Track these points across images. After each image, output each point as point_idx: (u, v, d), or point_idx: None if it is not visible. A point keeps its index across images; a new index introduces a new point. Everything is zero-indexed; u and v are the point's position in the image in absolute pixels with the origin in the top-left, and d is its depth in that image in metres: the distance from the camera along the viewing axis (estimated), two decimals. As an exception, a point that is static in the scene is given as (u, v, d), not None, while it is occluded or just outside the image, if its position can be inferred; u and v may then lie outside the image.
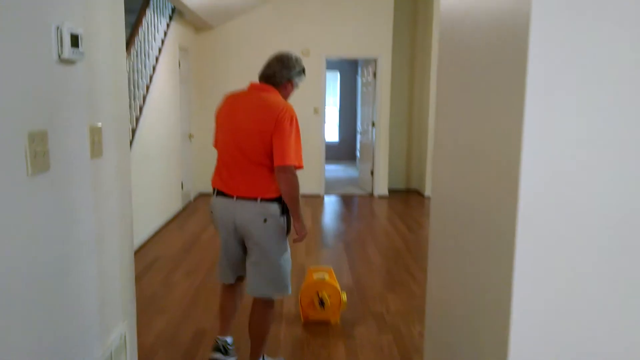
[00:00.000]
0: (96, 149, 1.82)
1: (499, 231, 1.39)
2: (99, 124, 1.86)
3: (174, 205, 6.37)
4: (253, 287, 2.52)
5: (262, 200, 2.41)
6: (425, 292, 3.92)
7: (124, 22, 2.11)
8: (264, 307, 2.56)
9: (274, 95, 2.48)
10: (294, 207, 2.43)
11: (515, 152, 1.30)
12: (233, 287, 2.74)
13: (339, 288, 3.37)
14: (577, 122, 1.26)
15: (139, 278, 4.21)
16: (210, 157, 7.80)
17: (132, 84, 5.02)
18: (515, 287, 1.31)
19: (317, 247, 5.20)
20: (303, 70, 2.53)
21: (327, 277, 3.42)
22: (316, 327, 3.34)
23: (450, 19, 2.00)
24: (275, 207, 2.43)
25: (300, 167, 2.39)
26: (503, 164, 1.37)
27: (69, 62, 1.60)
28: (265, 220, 2.41)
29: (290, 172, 2.35)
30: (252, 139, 2.40)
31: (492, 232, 1.45)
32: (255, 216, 2.41)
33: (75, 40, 1.59)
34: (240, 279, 2.69)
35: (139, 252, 4.88)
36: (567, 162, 1.27)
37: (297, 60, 2.53)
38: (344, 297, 3.38)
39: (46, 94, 1.48)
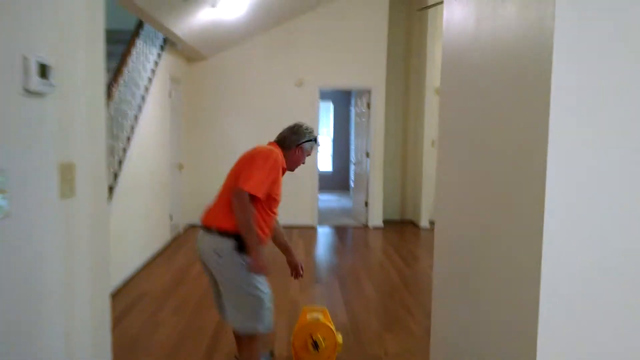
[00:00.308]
0: (67, 188, 1.67)
1: (522, 268, 1.27)
2: (71, 162, 1.71)
3: (162, 238, 6.18)
4: (230, 320, 2.67)
5: (217, 231, 2.49)
6: (425, 331, 3.74)
7: (103, 53, 1.99)
8: (247, 341, 2.68)
9: (271, 147, 2.69)
10: (244, 234, 2.44)
11: (539, 185, 1.18)
12: None
13: (334, 329, 3.18)
14: (603, 152, 1.15)
15: (122, 316, 4.00)
16: (200, 188, 7.66)
17: (120, 115, 4.89)
18: (541, 328, 1.17)
19: (310, 282, 5.01)
20: (315, 140, 2.79)
21: (321, 317, 3.23)
22: (309, 372, 3.14)
23: (454, 48, 1.93)
24: (228, 244, 2.47)
25: (256, 195, 2.44)
26: (526, 197, 1.26)
27: (36, 94, 1.46)
28: (219, 256, 2.49)
29: (241, 196, 2.41)
30: (232, 170, 2.65)
31: (514, 270, 1.34)
32: (210, 251, 2.52)
33: (44, 71, 1.45)
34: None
35: (123, 288, 4.67)
36: (595, 200, 1.15)
37: (308, 130, 2.78)
38: (340, 339, 3.19)
39: (7, 128, 1.33)
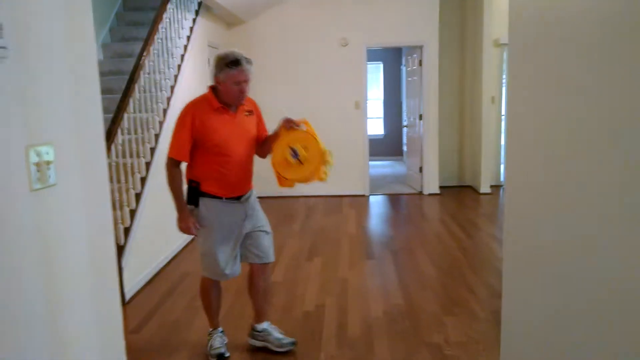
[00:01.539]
0: (42, 176, 1.35)
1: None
2: (47, 143, 1.38)
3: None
4: None
5: None
6: (491, 315, 3.32)
7: (89, 5, 1.64)
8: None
9: (198, 97, 2.70)
10: (171, 192, 2.68)
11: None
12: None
13: (317, 139, 2.75)
14: None
15: (164, 300, 3.80)
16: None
17: (154, 86, 4.61)
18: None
19: (360, 257, 4.66)
20: (228, 64, 2.52)
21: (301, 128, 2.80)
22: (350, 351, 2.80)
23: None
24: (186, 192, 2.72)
25: (176, 158, 2.62)
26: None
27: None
28: None
29: (166, 161, 2.66)
30: None
31: (626, 244, 1.10)
32: None
33: (-17, 28, 1.11)
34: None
35: (164, 270, 4.47)
36: None
37: (221, 56, 2.56)
38: (327, 153, 2.73)
39: None
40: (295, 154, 2.66)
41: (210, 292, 2.90)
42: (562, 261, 1.54)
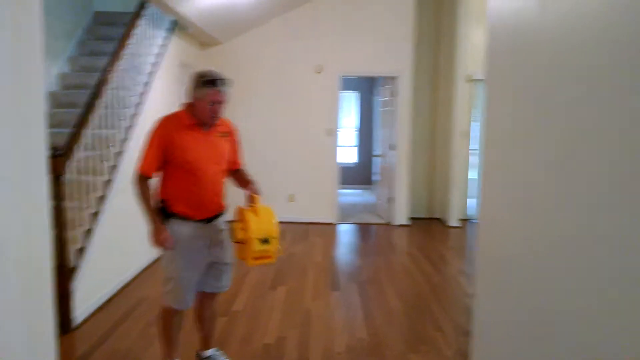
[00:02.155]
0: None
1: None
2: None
3: (171, 236, 5.74)
4: None
5: None
6: (458, 354, 3.21)
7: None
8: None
9: (170, 113, 2.62)
10: (141, 208, 2.57)
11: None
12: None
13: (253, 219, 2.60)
14: None
15: (115, 327, 3.57)
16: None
17: (117, 102, 4.45)
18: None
19: (326, 287, 4.51)
20: (205, 82, 2.47)
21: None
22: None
23: (510, 30, 1.48)
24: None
25: (144, 174, 2.53)
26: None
27: None
28: None
29: (134, 177, 2.56)
30: None
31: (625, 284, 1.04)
32: None
33: None
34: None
35: (121, 293, 4.24)
36: None
37: (200, 75, 2.51)
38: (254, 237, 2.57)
39: None
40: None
41: (172, 320, 2.72)
42: (533, 301, 1.44)
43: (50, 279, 1.55)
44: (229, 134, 2.72)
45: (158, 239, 2.55)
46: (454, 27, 7.11)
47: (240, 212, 2.65)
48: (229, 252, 2.79)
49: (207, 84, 2.45)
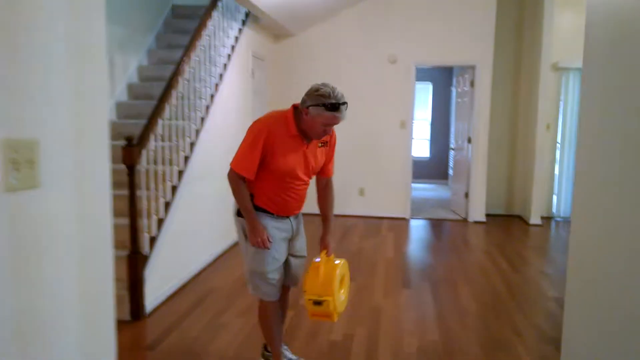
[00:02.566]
0: (21, 174, 1.16)
1: None
2: (31, 138, 1.20)
3: (242, 227, 5.78)
4: None
5: None
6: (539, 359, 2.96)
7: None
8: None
9: (278, 111, 2.47)
10: (239, 208, 2.49)
11: None
12: None
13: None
14: None
15: (184, 316, 3.61)
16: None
17: (193, 93, 4.50)
18: None
19: (397, 286, 4.35)
20: (326, 105, 2.28)
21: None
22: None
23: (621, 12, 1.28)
24: (235, 208, 2.56)
25: (240, 173, 2.40)
26: None
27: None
28: (234, 212, 2.59)
29: (229, 174, 2.45)
30: None
31: None
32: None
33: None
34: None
35: (191, 282, 4.30)
36: None
37: (321, 92, 2.31)
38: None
39: None
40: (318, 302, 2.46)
41: (271, 316, 2.62)
42: (631, 310, 1.24)
43: (111, 270, 1.52)
44: (328, 143, 2.62)
45: (257, 239, 2.45)
46: (540, 10, 6.64)
47: (310, 265, 2.56)
48: (304, 245, 2.74)
49: (329, 107, 2.27)
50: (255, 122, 2.45)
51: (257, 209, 2.49)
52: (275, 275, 2.53)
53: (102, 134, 1.50)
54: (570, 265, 1.65)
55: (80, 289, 1.39)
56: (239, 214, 2.53)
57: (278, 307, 2.66)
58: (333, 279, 2.44)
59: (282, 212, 2.54)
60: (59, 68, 1.29)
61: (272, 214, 2.52)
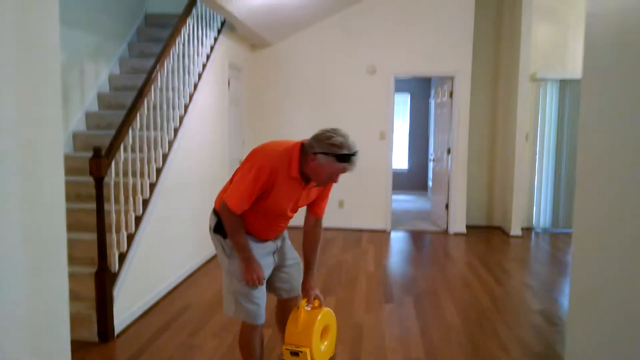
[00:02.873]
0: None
1: None
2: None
3: (218, 241, 5.59)
4: None
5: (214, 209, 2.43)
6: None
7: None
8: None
9: (283, 145, 2.29)
10: (234, 246, 2.33)
11: None
12: None
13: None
14: None
15: (157, 336, 3.42)
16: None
17: (166, 103, 4.34)
18: None
19: (378, 300, 4.21)
20: (338, 157, 2.12)
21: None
22: None
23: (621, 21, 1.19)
24: (212, 221, 2.42)
25: (233, 210, 2.24)
26: None
27: None
28: (210, 228, 2.44)
29: (224, 211, 2.27)
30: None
31: None
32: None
33: None
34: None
35: (164, 300, 4.10)
36: None
37: (332, 141, 2.14)
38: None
39: None
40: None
41: (253, 341, 2.44)
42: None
43: (65, 288, 1.36)
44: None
45: (251, 276, 2.31)
46: (517, 21, 6.66)
47: (291, 313, 2.46)
48: (294, 253, 2.62)
49: (341, 159, 2.13)
50: (258, 155, 2.27)
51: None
52: (260, 294, 2.38)
53: (53, 125, 1.34)
54: (573, 274, 1.54)
55: (27, 314, 1.23)
56: (215, 229, 2.39)
57: (262, 334, 2.50)
58: (312, 329, 2.32)
59: (264, 238, 2.43)
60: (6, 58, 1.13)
61: (254, 237, 2.39)
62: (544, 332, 3.57)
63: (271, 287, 2.57)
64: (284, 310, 2.63)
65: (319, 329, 2.37)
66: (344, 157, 2.11)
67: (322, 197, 2.51)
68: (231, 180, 2.39)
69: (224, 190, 2.43)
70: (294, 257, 2.61)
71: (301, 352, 2.29)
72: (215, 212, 2.40)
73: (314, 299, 2.49)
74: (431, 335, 3.48)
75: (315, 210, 2.53)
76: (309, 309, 2.44)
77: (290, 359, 2.33)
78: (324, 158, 2.12)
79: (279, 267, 2.55)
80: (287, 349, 2.33)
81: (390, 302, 4.18)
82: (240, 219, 2.28)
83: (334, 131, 2.16)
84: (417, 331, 3.56)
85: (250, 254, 2.30)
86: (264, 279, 2.35)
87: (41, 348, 1.28)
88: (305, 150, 2.19)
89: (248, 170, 2.20)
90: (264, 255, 2.41)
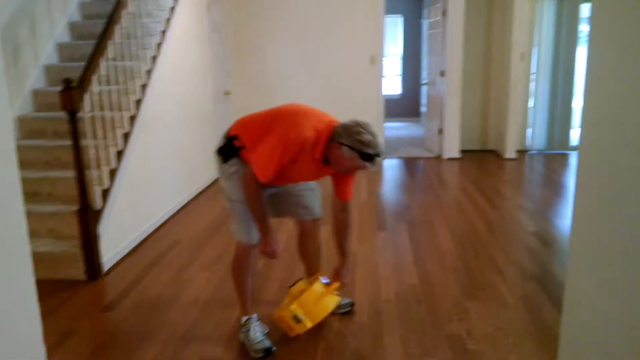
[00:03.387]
0: None
1: None
2: None
3: (205, 175, 5.47)
4: None
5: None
6: (521, 300, 2.83)
7: None
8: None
9: (316, 125, 2.17)
10: (252, 216, 2.30)
11: None
12: None
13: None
14: None
15: (145, 272, 3.36)
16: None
17: (140, 29, 4.05)
18: None
19: (371, 228, 4.15)
20: (363, 155, 2.06)
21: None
22: (366, 362, 2.34)
23: None
24: (221, 139, 2.38)
25: (259, 178, 2.16)
26: None
27: None
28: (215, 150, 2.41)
29: (251, 179, 2.18)
30: (269, 115, 2.31)
31: None
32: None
33: None
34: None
35: (153, 236, 4.03)
36: None
37: (359, 138, 2.06)
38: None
39: None
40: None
41: (246, 266, 2.44)
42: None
43: (29, 259, 1.22)
44: None
45: (269, 249, 2.32)
46: None
47: (312, 280, 2.52)
48: (305, 185, 2.60)
49: (364, 157, 2.07)
50: (289, 125, 2.16)
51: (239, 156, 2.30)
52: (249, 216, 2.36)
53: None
54: (576, 199, 1.43)
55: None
56: (219, 151, 2.33)
57: (256, 257, 2.46)
58: (324, 314, 2.43)
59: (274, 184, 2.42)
60: None
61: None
62: (539, 253, 3.54)
63: (290, 213, 2.60)
64: (305, 234, 2.67)
65: (325, 315, 2.46)
66: (369, 156, 2.07)
67: (347, 181, 2.47)
68: (255, 126, 2.28)
69: (243, 121, 2.35)
70: (306, 185, 2.58)
71: (304, 324, 2.38)
72: (226, 135, 2.35)
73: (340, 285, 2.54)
74: (425, 262, 3.44)
75: (340, 193, 2.51)
76: (325, 281, 2.50)
77: (286, 318, 2.38)
78: (348, 151, 2.08)
79: (290, 194, 2.54)
80: (295, 314, 2.36)
81: (383, 230, 4.12)
82: (262, 191, 2.23)
83: (364, 126, 2.10)
84: (411, 258, 3.51)
85: (267, 228, 2.29)
86: (280, 251, 2.36)
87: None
88: (332, 135, 2.14)
89: (277, 141, 2.13)
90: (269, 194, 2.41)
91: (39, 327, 1.33)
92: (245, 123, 2.33)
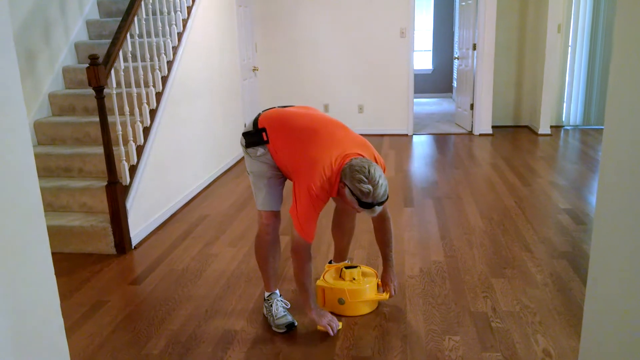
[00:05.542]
0: None
1: None
2: None
3: (232, 152, 5.50)
4: None
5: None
6: (551, 278, 2.76)
7: None
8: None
9: (329, 172, 2.15)
10: (298, 286, 2.36)
11: None
12: None
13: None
14: None
15: (173, 247, 3.41)
16: (279, 93, 6.83)
17: (166, 6, 4.05)
18: None
19: (398, 204, 4.11)
20: (361, 201, 2.06)
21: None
22: (386, 337, 2.33)
23: None
24: (249, 125, 2.39)
25: (307, 240, 2.20)
26: None
27: None
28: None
29: (300, 246, 2.23)
30: (321, 125, 2.37)
31: None
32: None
33: None
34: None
35: (181, 211, 4.08)
36: None
37: (360, 187, 2.05)
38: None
39: None
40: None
41: (268, 245, 2.44)
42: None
43: (45, 239, 1.24)
44: None
45: (325, 323, 2.35)
46: None
47: (366, 273, 2.65)
48: None
49: (362, 205, 2.09)
50: (315, 179, 2.14)
51: (265, 146, 2.31)
52: (274, 191, 2.42)
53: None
54: (602, 170, 1.37)
55: None
56: (244, 133, 2.36)
57: (278, 240, 2.47)
58: (359, 313, 2.53)
59: None
60: None
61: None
62: (571, 231, 3.44)
63: None
64: (340, 216, 2.72)
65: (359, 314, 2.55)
66: (367, 206, 2.09)
67: None
68: (280, 137, 2.29)
69: (271, 118, 2.33)
70: None
71: (342, 309, 2.52)
72: (255, 124, 2.34)
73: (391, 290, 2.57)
74: (452, 239, 3.39)
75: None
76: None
77: (332, 297, 2.52)
78: (349, 193, 2.10)
79: None
80: (342, 297, 2.50)
81: (410, 206, 4.07)
82: (310, 264, 2.29)
83: (368, 175, 2.06)
84: (437, 234, 3.46)
85: (315, 305, 2.35)
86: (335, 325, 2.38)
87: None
88: (341, 173, 2.14)
89: (305, 198, 2.15)
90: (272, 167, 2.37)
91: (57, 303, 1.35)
92: (274, 125, 2.31)
